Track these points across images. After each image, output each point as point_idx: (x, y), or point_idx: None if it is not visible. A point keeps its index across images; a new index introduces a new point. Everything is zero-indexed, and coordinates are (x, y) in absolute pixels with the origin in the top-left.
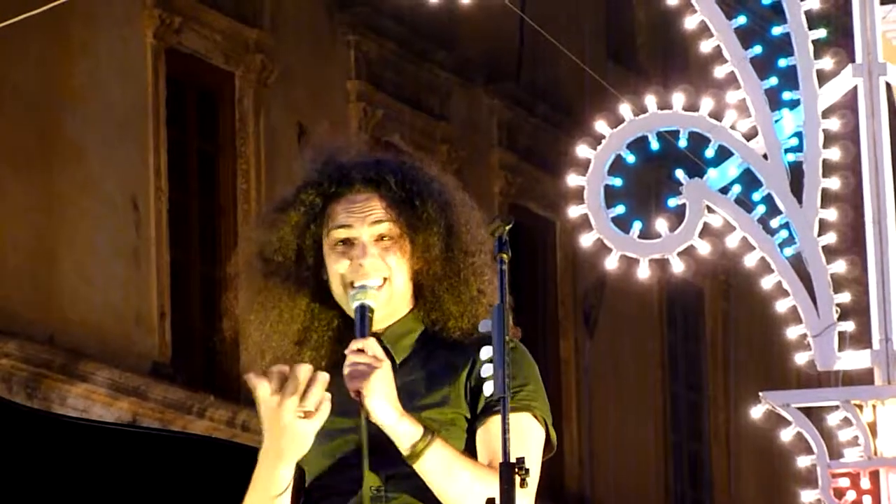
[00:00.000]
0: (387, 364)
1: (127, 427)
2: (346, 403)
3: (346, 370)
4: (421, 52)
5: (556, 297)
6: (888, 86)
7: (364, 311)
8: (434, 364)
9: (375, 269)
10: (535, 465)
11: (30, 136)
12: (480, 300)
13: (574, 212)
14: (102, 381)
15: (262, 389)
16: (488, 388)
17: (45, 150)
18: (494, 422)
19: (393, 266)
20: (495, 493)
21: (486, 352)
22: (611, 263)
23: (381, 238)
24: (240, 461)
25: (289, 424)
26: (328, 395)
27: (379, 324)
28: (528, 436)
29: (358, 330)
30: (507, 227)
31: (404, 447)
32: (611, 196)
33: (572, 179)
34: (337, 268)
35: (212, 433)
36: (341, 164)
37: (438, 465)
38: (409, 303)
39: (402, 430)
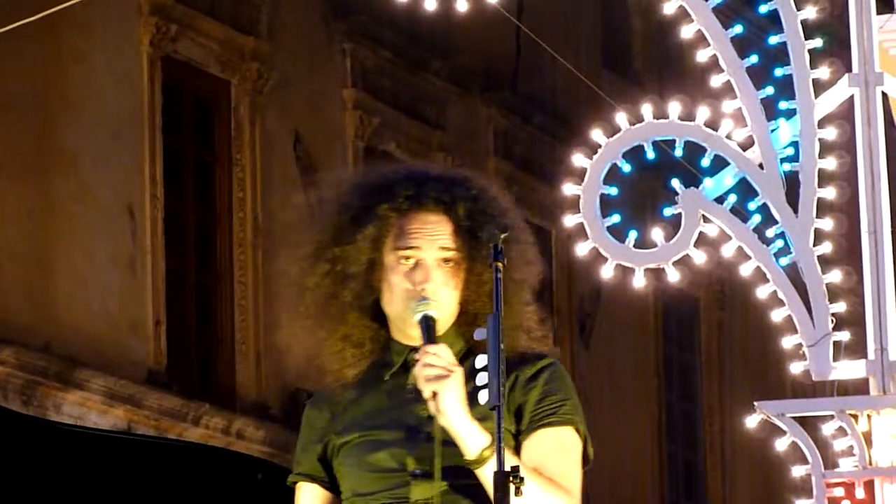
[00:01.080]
0: (460, 369)
1: (122, 435)
2: (384, 416)
3: (420, 371)
4: (417, 61)
5: (551, 306)
6: (884, 96)
7: (428, 321)
8: (476, 380)
9: (434, 293)
10: (577, 477)
11: (25, 144)
12: (522, 326)
13: (570, 221)
14: (98, 389)
15: None
16: (483, 397)
17: (40, 158)
18: (539, 435)
19: (448, 294)
20: (556, 502)
21: (480, 360)
22: (606, 273)
23: (443, 261)
24: (235, 469)
25: None
26: None
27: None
28: (570, 449)
29: (425, 339)
30: (503, 236)
31: (471, 452)
32: (606, 205)
33: (568, 188)
34: (399, 282)
35: (207, 441)
36: (415, 176)
37: None
38: (453, 318)
39: (471, 435)
